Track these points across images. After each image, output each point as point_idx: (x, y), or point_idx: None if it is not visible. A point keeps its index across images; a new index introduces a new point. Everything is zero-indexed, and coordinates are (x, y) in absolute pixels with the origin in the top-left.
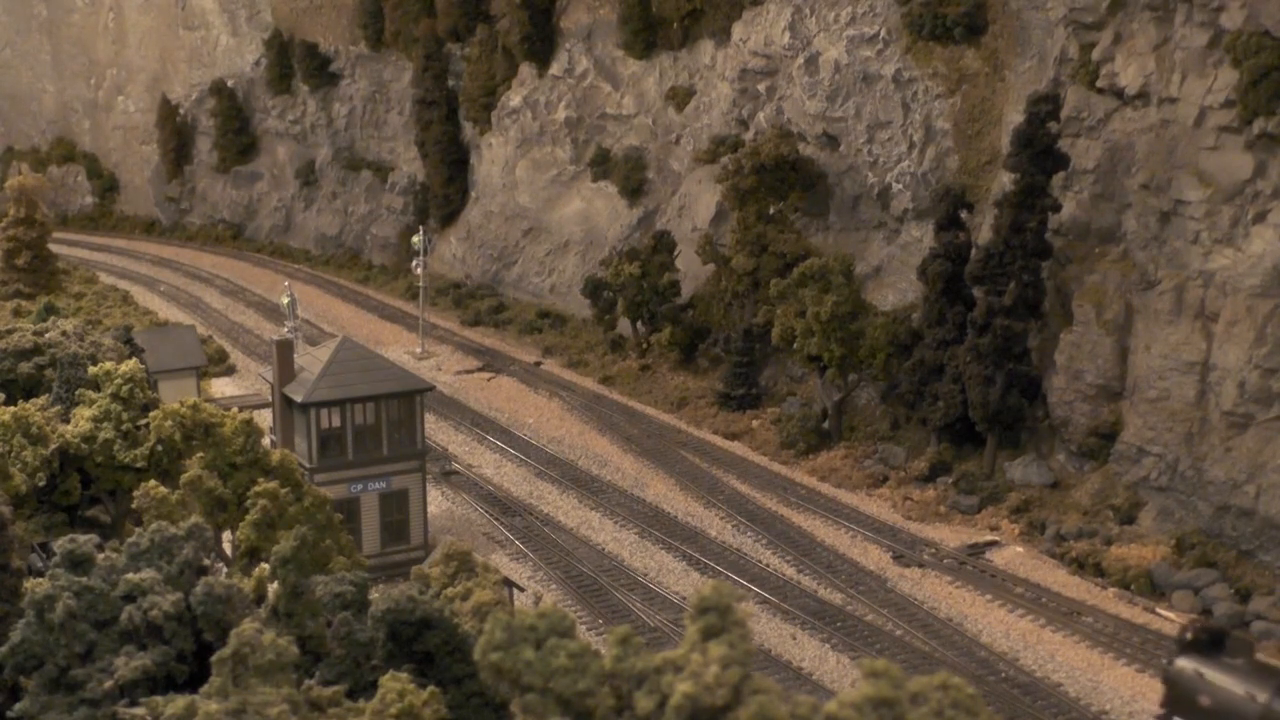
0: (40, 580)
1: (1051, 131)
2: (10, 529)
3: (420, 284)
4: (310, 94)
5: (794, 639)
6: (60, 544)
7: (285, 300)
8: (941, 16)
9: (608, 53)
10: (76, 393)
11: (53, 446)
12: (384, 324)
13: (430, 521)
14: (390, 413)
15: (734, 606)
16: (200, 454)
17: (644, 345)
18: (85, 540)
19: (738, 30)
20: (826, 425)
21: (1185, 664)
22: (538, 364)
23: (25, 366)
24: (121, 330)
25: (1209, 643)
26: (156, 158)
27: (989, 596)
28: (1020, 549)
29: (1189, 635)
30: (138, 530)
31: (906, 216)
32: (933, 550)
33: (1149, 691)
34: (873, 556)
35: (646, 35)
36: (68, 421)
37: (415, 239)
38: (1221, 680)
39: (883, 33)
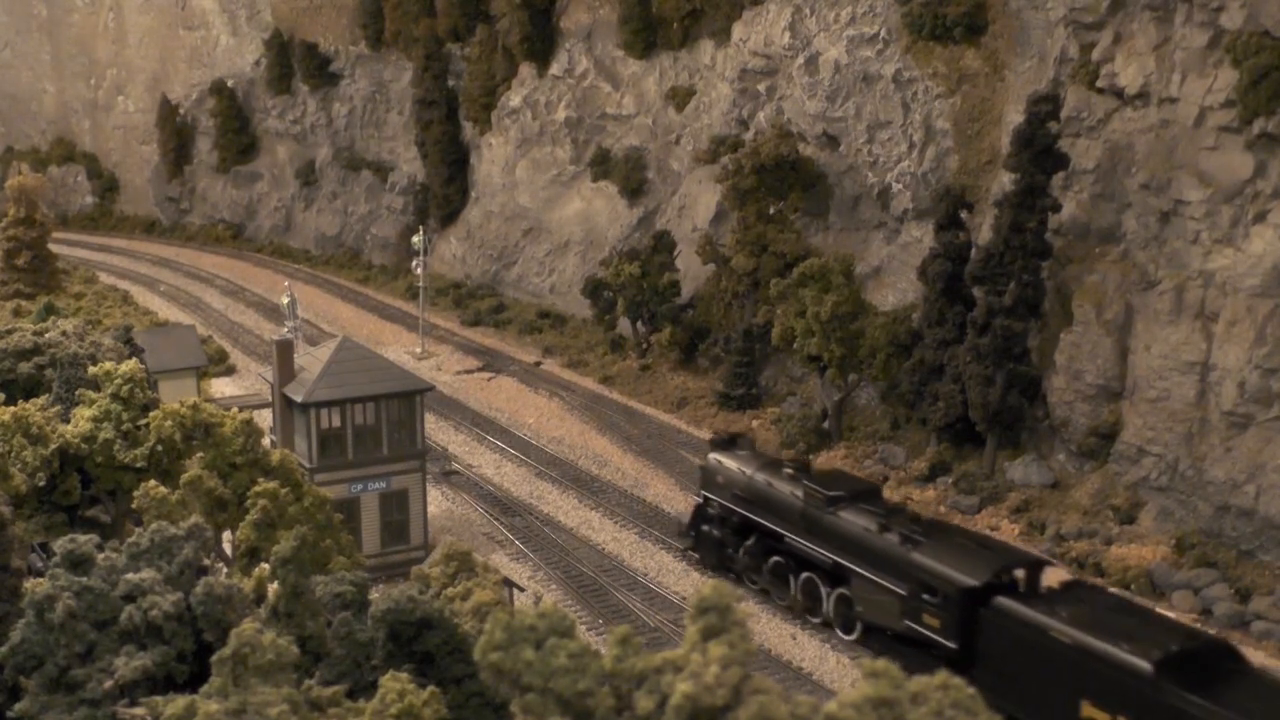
0: (40, 580)
1: (1051, 131)
2: (10, 529)
3: (420, 284)
4: (310, 94)
5: (794, 639)
6: (60, 544)
7: (285, 300)
8: (941, 16)
9: (608, 53)
10: (76, 393)
11: (53, 446)
12: (384, 324)
13: (430, 521)
14: (390, 413)
15: (734, 606)
16: (200, 454)
17: (644, 345)
18: (85, 540)
19: (738, 30)
20: (826, 425)
21: (712, 456)
22: (538, 364)
23: (25, 366)
24: (121, 330)
25: (728, 442)
26: (156, 158)
27: None
28: None
29: (714, 438)
30: (138, 530)
31: (906, 216)
32: None
33: None
34: None
35: (646, 35)
36: (68, 421)
37: (415, 239)
38: (729, 464)
39: (883, 33)
